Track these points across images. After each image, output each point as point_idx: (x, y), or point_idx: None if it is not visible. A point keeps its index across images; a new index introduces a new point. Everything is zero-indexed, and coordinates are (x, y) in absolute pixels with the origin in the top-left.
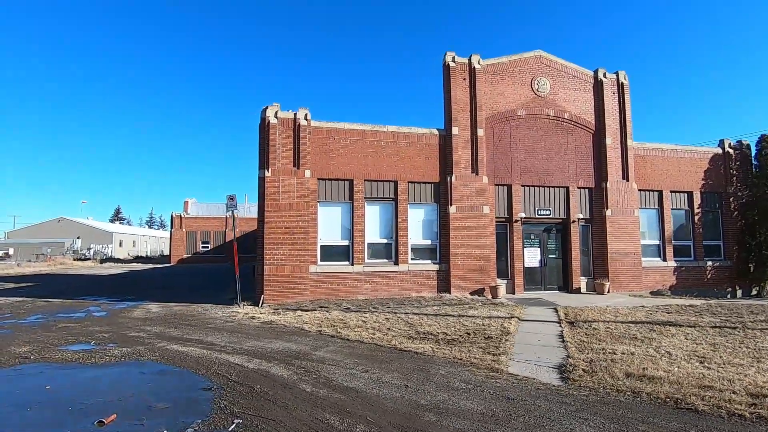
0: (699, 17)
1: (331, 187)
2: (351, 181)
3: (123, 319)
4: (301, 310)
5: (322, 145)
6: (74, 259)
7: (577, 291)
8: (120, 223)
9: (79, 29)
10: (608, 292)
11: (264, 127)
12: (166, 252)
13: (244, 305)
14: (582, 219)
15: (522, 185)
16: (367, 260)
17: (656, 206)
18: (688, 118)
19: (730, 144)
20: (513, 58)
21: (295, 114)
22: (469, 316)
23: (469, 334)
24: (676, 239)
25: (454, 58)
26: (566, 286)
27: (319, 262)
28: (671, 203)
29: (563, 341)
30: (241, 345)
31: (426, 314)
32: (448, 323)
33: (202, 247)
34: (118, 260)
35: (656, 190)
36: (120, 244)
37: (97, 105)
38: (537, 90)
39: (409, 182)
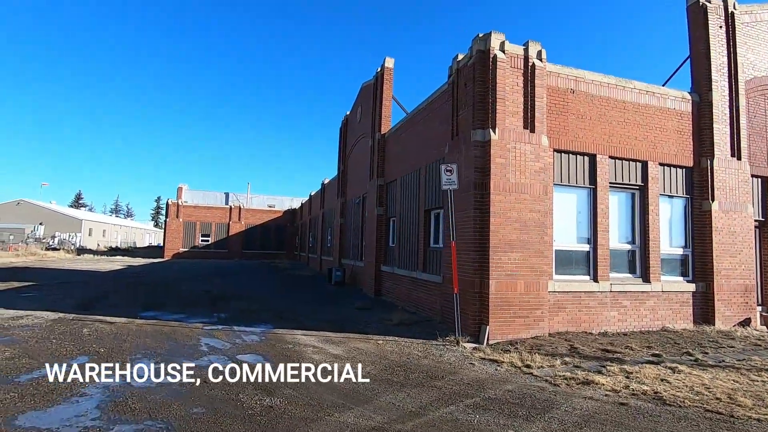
0: None
1: (568, 164)
2: (593, 158)
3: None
4: (594, 360)
5: (558, 100)
6: (46, 249)
7: None
8: (83, 209)
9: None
10: None
11: (487, 65)
12: (139, 244)
13: (462, 341)
14: None
15: None
16: (610, 274)
17: None
18: None
19: None
20: (765, 5)
21: (525, 50)
22: None
23: None
24: None
25: None
26: None
27: (554, 276)
28: None
29: None
30: None
31: None
32: None
33: (202, 240)
34: (91, 251)
35: None
36: (90, 233)
37: (56, 83)
38: None
39: (660, 164)
